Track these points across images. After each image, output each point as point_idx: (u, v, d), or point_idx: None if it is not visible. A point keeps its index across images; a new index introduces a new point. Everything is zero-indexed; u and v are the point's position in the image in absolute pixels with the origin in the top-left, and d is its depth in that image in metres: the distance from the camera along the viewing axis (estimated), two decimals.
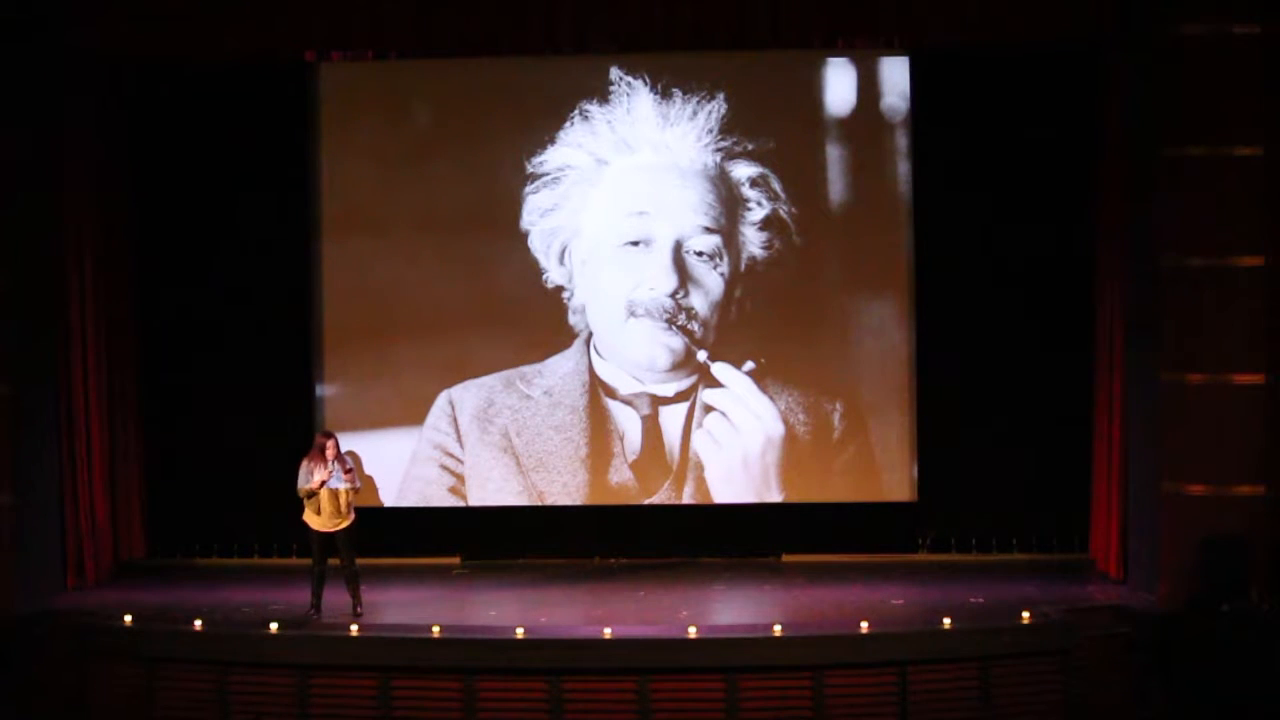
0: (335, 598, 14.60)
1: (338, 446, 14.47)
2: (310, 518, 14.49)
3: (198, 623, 13.89)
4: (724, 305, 16.39)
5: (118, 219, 16.42)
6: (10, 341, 15.11)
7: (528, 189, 16.45)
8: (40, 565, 15.40)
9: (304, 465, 14.46)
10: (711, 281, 16.37)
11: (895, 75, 16.32)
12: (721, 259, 16.35)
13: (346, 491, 14.43)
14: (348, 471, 14.46)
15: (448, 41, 15.71)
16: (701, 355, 16.38)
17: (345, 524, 14.48)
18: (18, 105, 15.23)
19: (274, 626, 13.79)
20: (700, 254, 16.33)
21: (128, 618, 14.08)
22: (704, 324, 16.37)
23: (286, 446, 16.26)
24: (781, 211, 16.37)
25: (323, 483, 14.33)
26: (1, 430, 15.00)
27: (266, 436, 16.50)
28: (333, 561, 14.52)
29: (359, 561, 14.57)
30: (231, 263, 16.62)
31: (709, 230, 16.32)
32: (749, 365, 16.39)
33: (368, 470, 16.26)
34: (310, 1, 15.57)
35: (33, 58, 15.40)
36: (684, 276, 16.33)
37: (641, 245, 16.36)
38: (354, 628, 13.79)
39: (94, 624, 14.17)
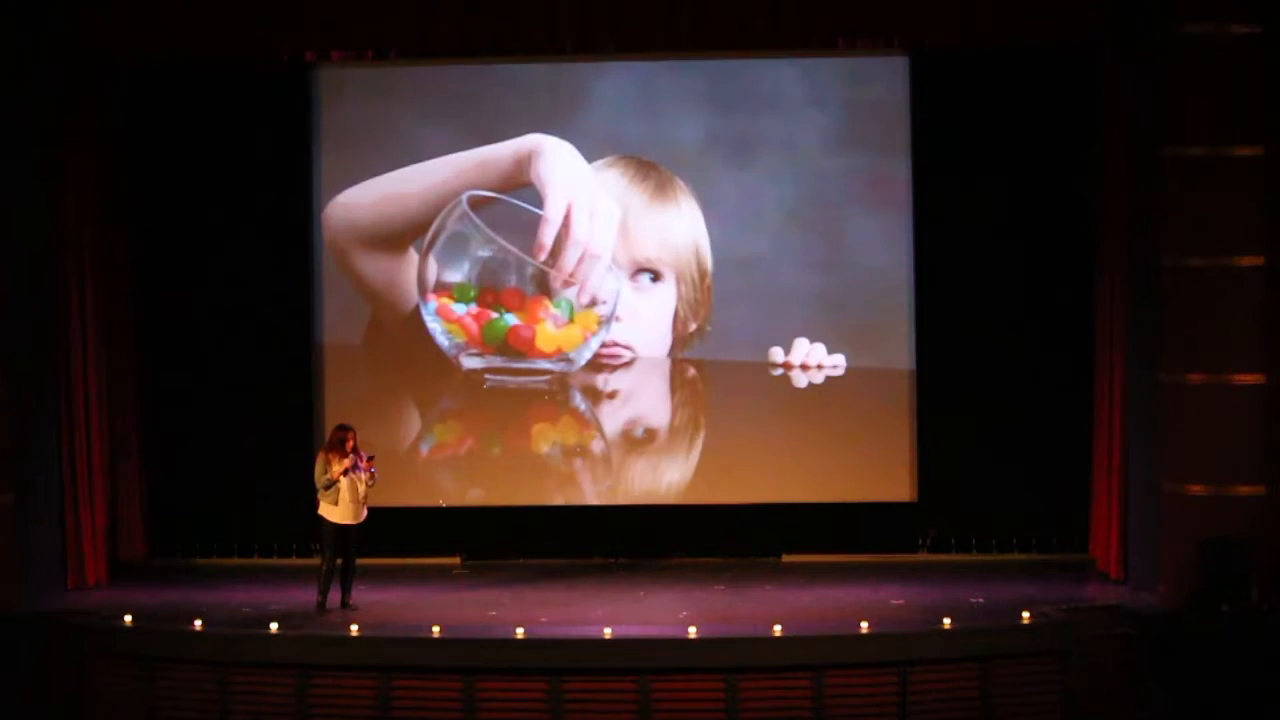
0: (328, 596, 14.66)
1: (356, 439, 14.51)
2: (329, 510, 14.48)
3: (198, 623, 13.89)
4: (723, 303, 16.38)
5: (118, 219, 16.41)
6: (10, 341, 15.12)
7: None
8: (40, 565, 15.40)
9: (321, 457, 14.48)
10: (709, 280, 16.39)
11: (895, 75, 16.31)
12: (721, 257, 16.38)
13: (366, 484, 14.46)
14: (369, 459, 14.49)
15: (448, 42, 15.73)
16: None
17: (364, 517, 14.52)
18: (17, 105, 15.23)
19: (274, 626, 13.79)
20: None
21: (128, 618, 14.07)
22: (700, 321, 16.40)
23: (287, 447, 16.33)
24: (781, 211, 16.37)
25: (345, 471, 14.34)
26: (1, 430, 15.01)
27: (266, 436, 16.51)
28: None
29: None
30: (231, 263, 16.61)
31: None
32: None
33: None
34: (310, 1, 15.59)
35: (33, 58, 15.40)
36: (680, 274, 16.37)
37: None
38: (354, 627, 13.79)
39: (94, 624, 14.16)
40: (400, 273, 16.41)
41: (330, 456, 14.43)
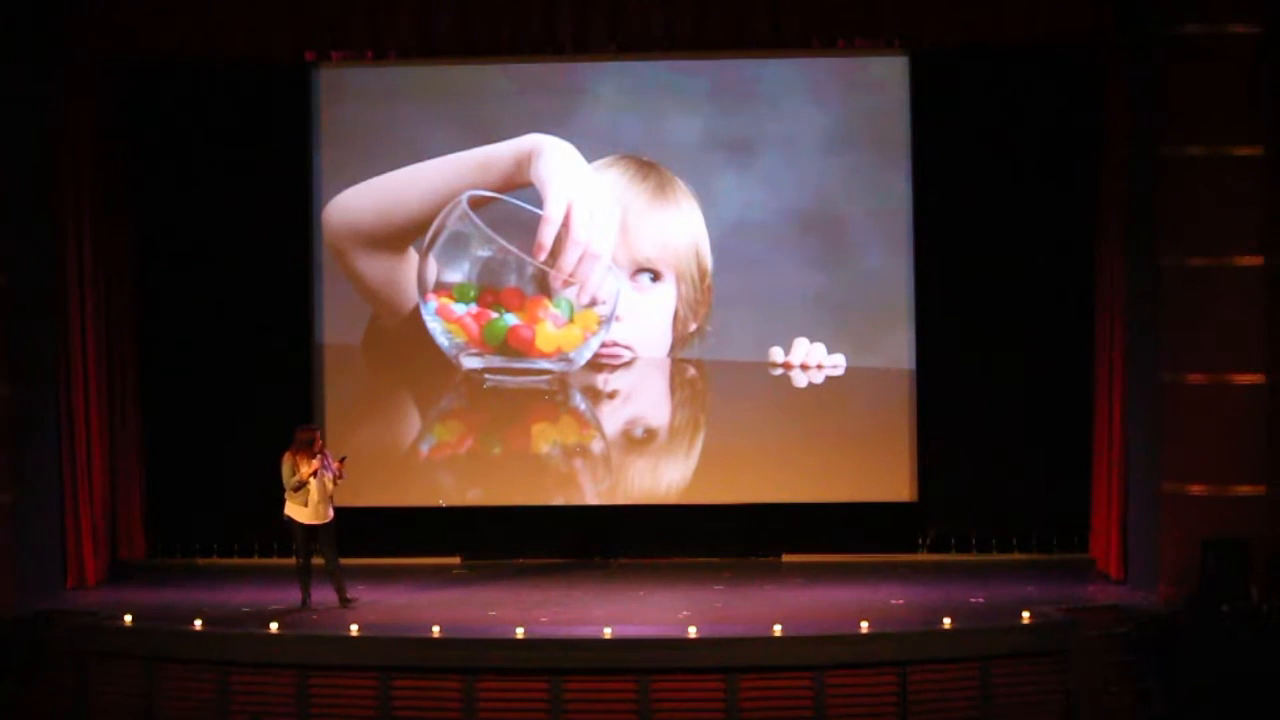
0: (323, 595, 14.67)
1: (322, 439, 14.52)
2: (296, 510, 14.51)
3: (198, 623, 13.90)
4: (723, 303, 16.38)
5: (118, 219, 16.41)
6: (10, 341, 15.12)
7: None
8: (40, 565, 15.41)
9: (288, 459, 14.49)
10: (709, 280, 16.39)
11: (895, 75, 16.30)
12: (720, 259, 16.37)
13: (332, 483, 14.47)
14: (340, 461, 14.49)
15: (448, 42, 15.74)
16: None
17: (330, 517, 14.53)
18: (17, 105, 15.23)
19: (274, 626, 13.79)
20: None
21: (128, 618, 14.08)
22: (700, 321, 16.40)
23: (287, 447, 16.27)
24: (781, 211, 16.36)
25: (314, 471, 14.35)
26: (1, 430, 15.01)
27: (266, 436, 16.43)
28: (315, 561, 14.61)
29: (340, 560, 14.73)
30: (231, 263, 16.61)
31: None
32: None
33: (368, 470, 16.24)
34: (310, 1, 15.60)
35: (32, 57, 15.40)
36: (680, 274, 16.37)
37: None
38: (354, 627, 13.79)
39: (94, 624, 14.17)
40: (400, 273, 16.41)
41: (298, 458, 14.45)
